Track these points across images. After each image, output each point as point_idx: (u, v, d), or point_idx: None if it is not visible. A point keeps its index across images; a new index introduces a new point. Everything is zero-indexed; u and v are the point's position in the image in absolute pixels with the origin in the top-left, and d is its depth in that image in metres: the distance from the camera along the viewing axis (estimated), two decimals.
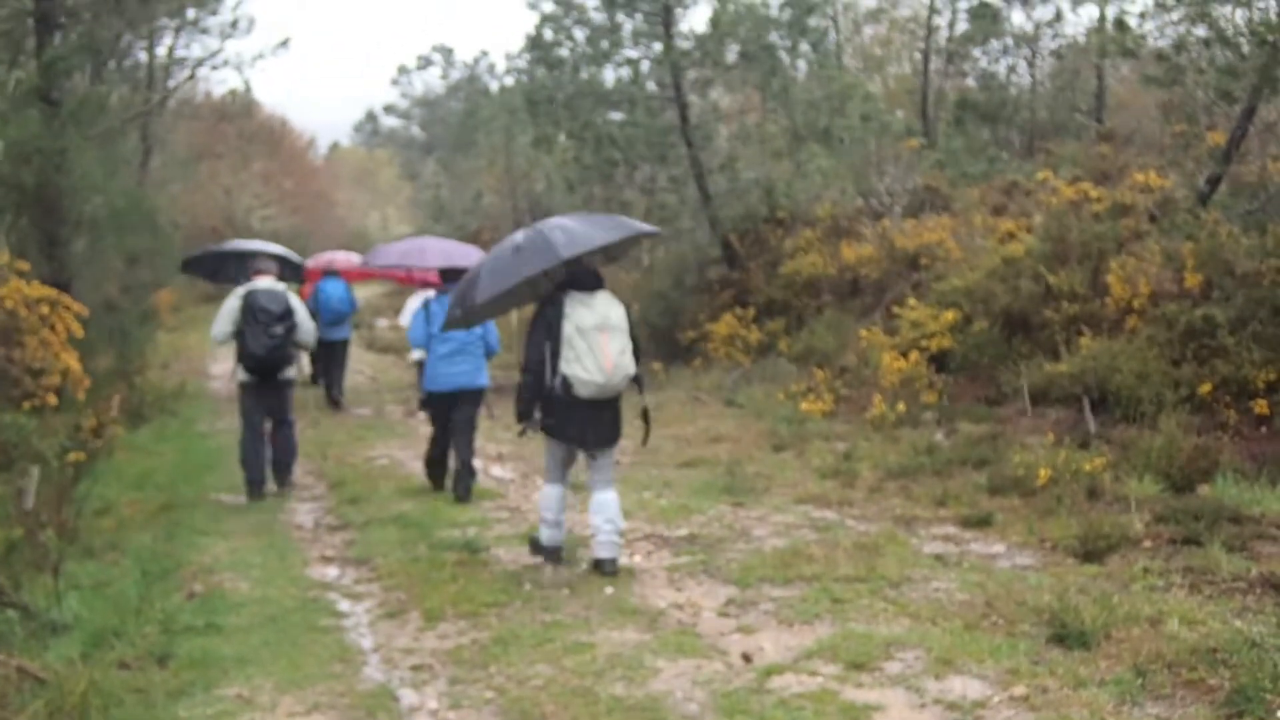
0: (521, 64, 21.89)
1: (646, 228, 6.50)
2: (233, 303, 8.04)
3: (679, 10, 15.51)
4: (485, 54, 55.93)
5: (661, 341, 15.33)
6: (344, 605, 5.64)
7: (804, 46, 16.01)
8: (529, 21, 32.66)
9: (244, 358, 8.02)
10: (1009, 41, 20.04)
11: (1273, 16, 9.27)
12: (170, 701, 4.34)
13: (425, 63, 52.99)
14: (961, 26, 20.59)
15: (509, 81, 33.33)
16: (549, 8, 15.90)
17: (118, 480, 8.68)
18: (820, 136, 15.53)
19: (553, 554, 6.16)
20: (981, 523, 6.78)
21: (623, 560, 6.11)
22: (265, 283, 8.17)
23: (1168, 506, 6.57)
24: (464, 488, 7.95)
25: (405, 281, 15.69)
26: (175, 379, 14.44)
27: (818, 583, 5.59)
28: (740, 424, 10.70)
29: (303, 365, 9.82)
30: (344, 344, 13.45)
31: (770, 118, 16.54)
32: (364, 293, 20.43)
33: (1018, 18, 19.78)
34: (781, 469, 8.74)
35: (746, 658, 4.65)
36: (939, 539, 6.54)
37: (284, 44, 23.61)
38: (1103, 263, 10.28)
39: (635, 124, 15.37)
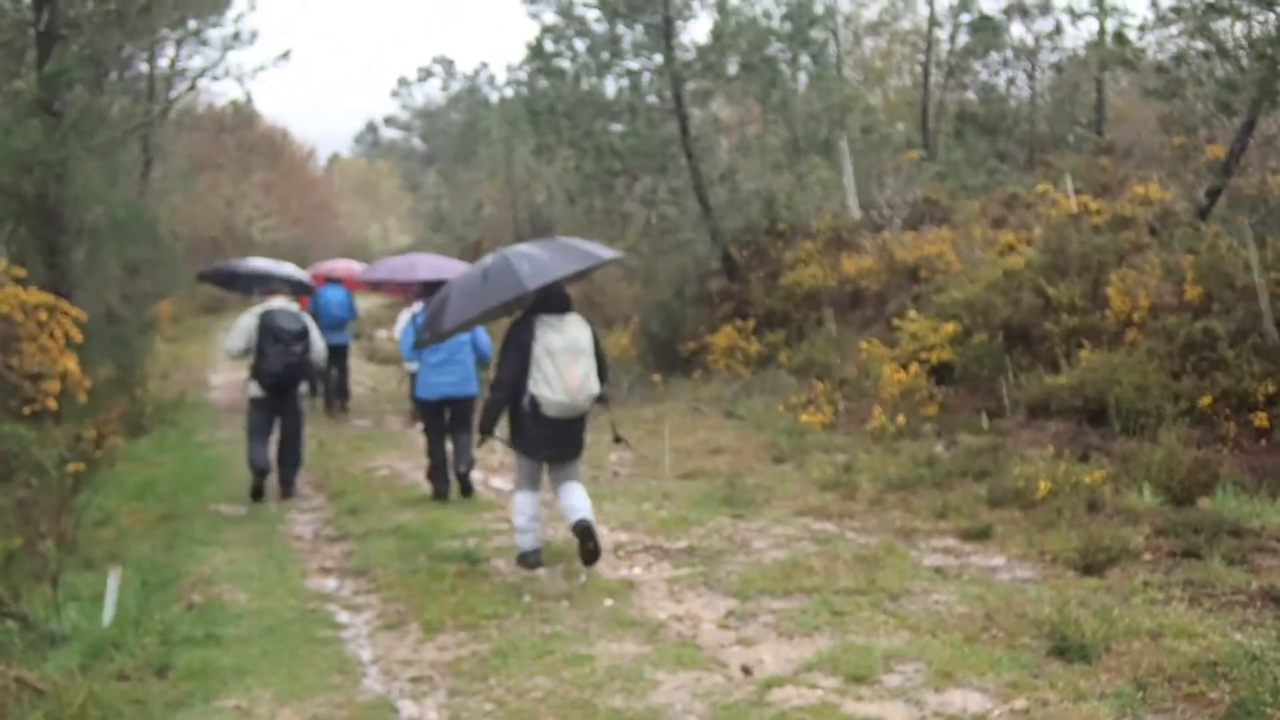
0: (522, 74, 21.94)
1: (610, 254, 6.62)
2: (249, 320, 8.35)
3: (680, 22, 15.57)
4: (485, 65, 56.12)
5: (661, 353, 15.34)
6: (343, 616, 5.63)
7: (804, 59, 16.05)
8: (530, 31, 32.80)
9: (261, 374, 8.30)
10: (1009, 54, 20.15)
11: (1272, 30, 9.32)
12: (169, 713, 4.34)
13: (426, 74, 53.16)
14: (962, 39, 20.71)
15: (509, 93, 33.42)
16: (550, 18, 15.98)
17: (118, 490, 8.68)
18: (820, 148, 15.56)
19: (530, 557, 6.18)
20: (981, 535, 6.77)
21: (622, 572, 6.12)
22: (280, 303, 8.51)
23: (1168, 519, 6.56)
24: (465, 486, 8.33)
25: (403, 295, 15.73)
26: (175, 389, 14.45)
27: (818, 595, 5.59)
28: (740, 436, 10.68)
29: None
30: (343, 349, 13.49)
31: (771, 129, 16.58)
32: (365, 303, 20.46)
33: (1018, 31, 19.93)
34: (781, 481, 8.73)
35: (746, 670, 4.64)
36: (939, 551, 6.53)
37: (285, 55, 23.59)
38: (1102, 275, 10.30)
39: (636, 135, 15.38)
